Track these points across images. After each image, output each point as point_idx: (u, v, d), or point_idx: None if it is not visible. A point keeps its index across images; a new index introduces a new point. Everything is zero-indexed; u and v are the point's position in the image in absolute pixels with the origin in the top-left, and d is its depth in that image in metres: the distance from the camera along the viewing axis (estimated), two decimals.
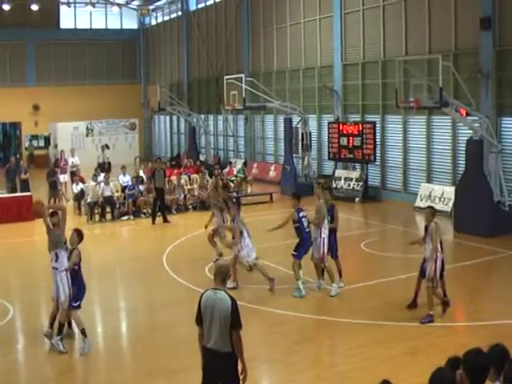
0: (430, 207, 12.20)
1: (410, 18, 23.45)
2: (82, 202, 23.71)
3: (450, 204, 20.74)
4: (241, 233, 13.50)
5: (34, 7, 39.88)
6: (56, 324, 10.67)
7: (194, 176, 26.63)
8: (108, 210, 22.75)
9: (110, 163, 29.92)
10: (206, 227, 16.03)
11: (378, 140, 24.67)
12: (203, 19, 39.05)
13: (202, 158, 34.55)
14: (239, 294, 11.95)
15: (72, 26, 45.31)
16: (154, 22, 47.45)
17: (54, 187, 24.34)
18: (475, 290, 13.62)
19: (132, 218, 22.68)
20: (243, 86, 26.52)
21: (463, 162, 19.79)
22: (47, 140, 43.37)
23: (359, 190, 24.94)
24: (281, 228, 13.61)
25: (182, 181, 25.20)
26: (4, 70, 42.96)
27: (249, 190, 27.14)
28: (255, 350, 9.81)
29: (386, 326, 11.26)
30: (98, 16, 46.14)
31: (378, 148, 24.78)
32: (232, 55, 35.63)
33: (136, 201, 23.11)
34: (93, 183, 23.25)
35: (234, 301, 6.93)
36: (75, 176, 25.98)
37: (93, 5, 44.18)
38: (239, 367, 7.02)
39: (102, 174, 23.95)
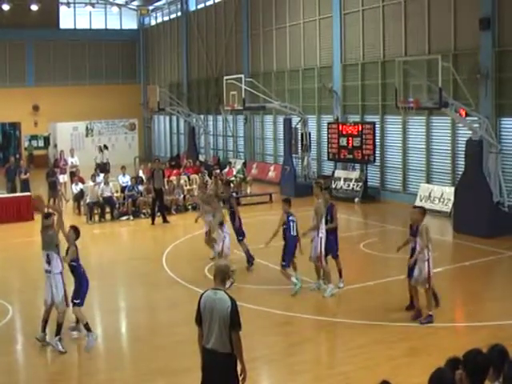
0: (420, 207, 12.05)
1: (410, 18, 23.45)
2: (82, 203, 23.72)
3: (450, 204, 20.75)
4: (221, 224, 14.24)
5: (34, 7, 39.86)
6: (52, 327, 10.65)
7: (194, 176, 26.64)
8: (107, 210, 22.77)
9: (108, 164, 29.94)
10: (196, 221, 17.00)
11: (377, 140, 24.68)
12: (203, 19, 39.06)
13: (201, 158, 34.54)
14: (239, 295, 11.94)
15: (72, 26, 45.29)
16: (153, 23, 47.45)
17: (53, 187, 24.35)
18: (475, 291, 13.64)
19: (131, 218, 22.69)
20: (243, 86, 26.54)
21: (463, 163, 19.80)
22: (47, 140, 43.36)
23: (359, 190, 24.95)
24: (277, 234, 13.59)
25: (182, 181, 25.23)
26: (3, 70, 42.94)
27: (248, 191, 27.14)
28: (255, 351, 9.82)
29: (385, 327, 11.26)
30: (97, 16, 46.13)
31: (378, 148, 24.79)
32: (231, 55, 35.63)
33: (135, 201, 23.12)
34: (91, 184, 23.25)
35: (233, 301, 6.92)
36: (75, 176, 26.00)
37: (92, 5, 44.20)
38: (239, 368, 7.02)
39: (102, 175, 23.97)
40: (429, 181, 22.88)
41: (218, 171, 27.07)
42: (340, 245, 13.83)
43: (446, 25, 21.85)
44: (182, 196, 24.01)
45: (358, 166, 25.91)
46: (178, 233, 20.47)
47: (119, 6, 46.38)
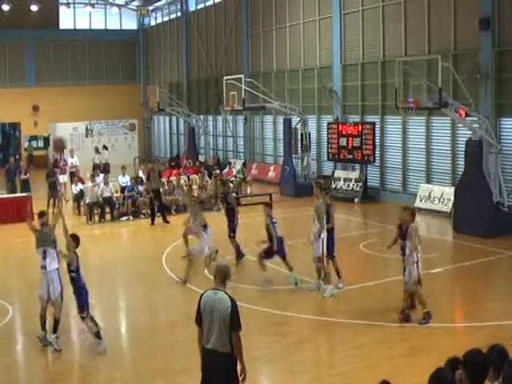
0: (410, 208, 11.87)
1: (410, 18, 23.45)
2: (82, 203, 23.72)
3: (450, 204, 20.75)
4: (205, 226, 14.39)
5: (34, 7, 39.84)
6: (51, 322, 10.65)
7: (194, 176, 26.64)
8: (107, 210, 22.78)
9: (107, 164, 29.94)
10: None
11: (377, 140, 24.68)
12: (203, 20, 39.06)
13: (201, 158, 34.54)
14: (238, 295, 11.94)
15: (71, 27, 45.28)
16: (153, 23, 47.45)
17: (53, 188, 24.34)
18: (474, 291, 13.64)
19: (131, 218, 22.70)
20: (242, 86, 26.55)
21: (462, 163, 19.79)
22: (46, 140, 43.35)
23: (358, 190, 24.95)
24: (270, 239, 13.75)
25: (182, 181, 25.22)
26: (3, 71, 42.95)
27: (248, 191, 27.13)
28: (255, 351, 9.82)
29: (385, 327, 11.26)
30: (97, 16, 46.14)
31: (378, 148, 24.79)
32: (231, 56, 35.64)
33: (135, 201, 23.13)
34: (90, 184, 23.25)
35: (233, 302, 6.92)
36: (74, 176, 26.03)
37: (92, 5, 44.22)
38: (238, 368, 7.02)
39: (102, 175, 23.97)
40: (429, 181, 22.88)
41: (217, 171, 27.08)
42: (340, 245, 13.84)
43: (445, 25, 21.85)
44: (181, 196, 24.00)
45: (357, 166, 25.91)
46: (177, 233, 20.32)
47: (119, 6, 46.39)
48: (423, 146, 23.15)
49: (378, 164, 25.04)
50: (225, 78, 28.29)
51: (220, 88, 29.74)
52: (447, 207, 21.09)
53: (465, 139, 19.53)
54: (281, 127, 29.24)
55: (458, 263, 15.58)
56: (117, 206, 23.05)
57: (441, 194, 21.73)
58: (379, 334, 10.95)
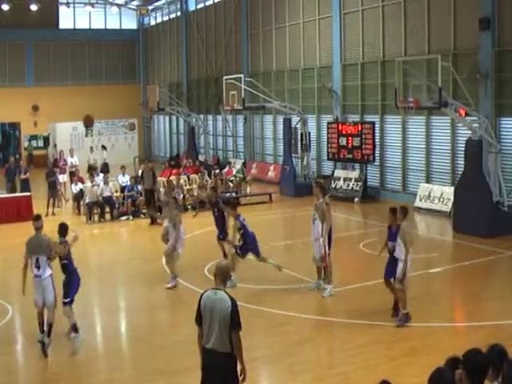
0: (402, 207, 11.80)
1: (410, 18, 23.46)
2: (81, 202, 23.73)
3: (450, 204, 20.76)
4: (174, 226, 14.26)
5: (33, 7, 39.85)
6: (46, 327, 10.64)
7: (193, 176, 26.64)
8: (107, 210, 22.78)
9: (106, 164, 29.91)
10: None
11: (377, 140, 24.69)
12: (202, 19, 39.06)
13: (201, 158, 34.54)
14: (238, 294, 11.94)
15: (71, 26, 45.30)
16: (153, 23, 47.46)
17: (53, 187, 24.35)
18: (474, 291, 13.64)
19: (131, 218, 22.71)
20: (242, 86, 26.54)
21: (462, 163, 19.79)
22: (46, 140, 43.37)
23: (358, 190, 24.96)
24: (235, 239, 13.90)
25: (181, 181, 25.23)
26: (3, 71, 42.96)
27: (248, 190, 27.14)
28: (255, 351, 9.82)
29: (385, 327, 11.26)
30: (97, 16, 46.15)
31: (377, 148, 24.80)
32: (231, 55, 35.64)
33: (135, 201, 23.14)
34: (89, 184, 23.24)
35: (234, 301, 6.91)
36: (74, 176, 26.02)
37: (92, 5, 44.18)
38: (238, 368, 7.02)
39: (101, 175, 23.96)
40: (428, 180, 22.88)
41: (217, 171, 27.09)
42: (339, 245, 13.85)
43: (445, 25, 21.85)
44: (181, 196, 23.99)
45: (357, 165, 25.92)
46: None
47: (119, 5, 46.38)
48: (423, 146, 23.15)
49: (377, 164, 25.05)
50: (225, 77, 28.28)
51: (220, 88, 29.74)
52: (447, 207, 21.10)
53: (464, 139, 19.54)
54: (281, 127, 29.25)
55: (458, 263, 15.57)
56: (116, 205, 23.06)
57: (441, 194, 21.73)
58: (379, 334, 10.95)
